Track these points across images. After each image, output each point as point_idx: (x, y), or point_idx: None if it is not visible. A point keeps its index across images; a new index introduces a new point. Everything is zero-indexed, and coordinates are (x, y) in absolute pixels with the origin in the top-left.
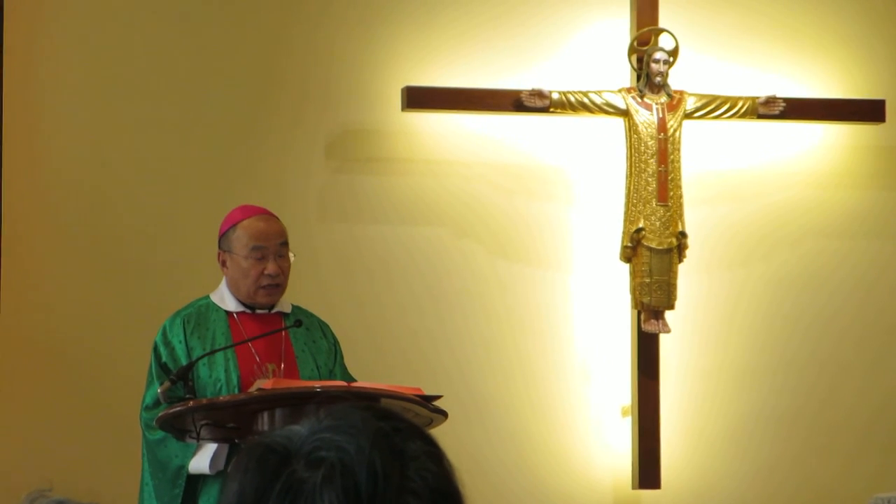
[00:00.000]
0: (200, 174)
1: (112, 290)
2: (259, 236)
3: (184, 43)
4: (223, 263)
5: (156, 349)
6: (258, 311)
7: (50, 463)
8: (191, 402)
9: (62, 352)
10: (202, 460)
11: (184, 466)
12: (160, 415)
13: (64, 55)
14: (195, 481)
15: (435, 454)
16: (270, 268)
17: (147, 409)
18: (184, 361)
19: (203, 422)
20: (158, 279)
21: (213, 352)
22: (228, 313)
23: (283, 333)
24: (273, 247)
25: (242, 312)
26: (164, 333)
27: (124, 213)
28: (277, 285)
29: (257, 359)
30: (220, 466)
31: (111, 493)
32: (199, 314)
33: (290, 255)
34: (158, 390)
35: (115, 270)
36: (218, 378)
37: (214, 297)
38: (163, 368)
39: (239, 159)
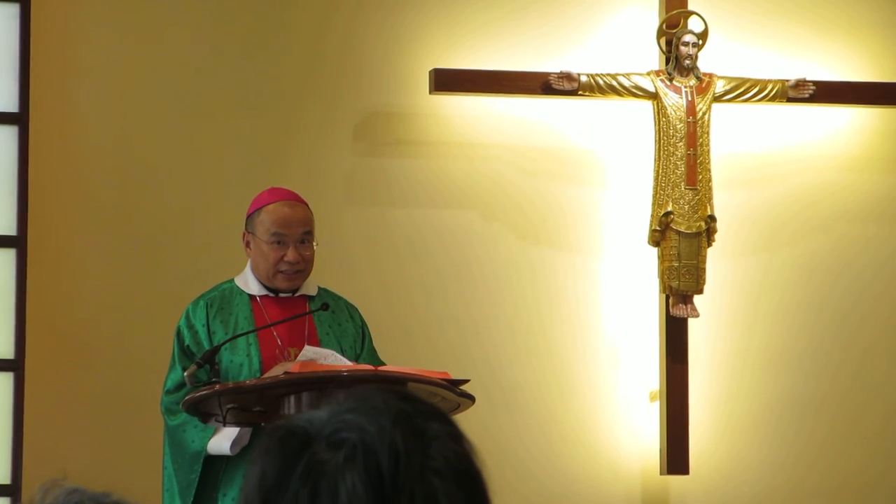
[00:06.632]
0: (229, 157)
1: (141, 275)
2: (281, 223)
3: (215, 25)
4: (247, 244)
5: (179, 333)
6: (281, 295)
7: (74, 450)
8: (217, 386)
9: (88, 339)
10: (222, 441)
11: (202, 451)
12: (186, 398)
13: (97, 33)
14: (216, 464)
15: (456, 435)
16: (290, 255)
17: (168, 392)
18: (206, 345)
19: (230, 405)
20: (187, 262)
21: (238, 336)
22: (251, 297)
23: (308, 316)
24: (295, 234)
25: (265, 296)
26: (187, 317)
27: (152, 194)
28: (298, 272)
29: (279, 342)
30: (244, 444)
31: (130, 482)
32: (223, 298)
33: (314, 243)
34: (185, 374)
35: (144, 254)
36: (240, 362)
37: (238, 281)
38: (185, 352)
39: (268, 142)
